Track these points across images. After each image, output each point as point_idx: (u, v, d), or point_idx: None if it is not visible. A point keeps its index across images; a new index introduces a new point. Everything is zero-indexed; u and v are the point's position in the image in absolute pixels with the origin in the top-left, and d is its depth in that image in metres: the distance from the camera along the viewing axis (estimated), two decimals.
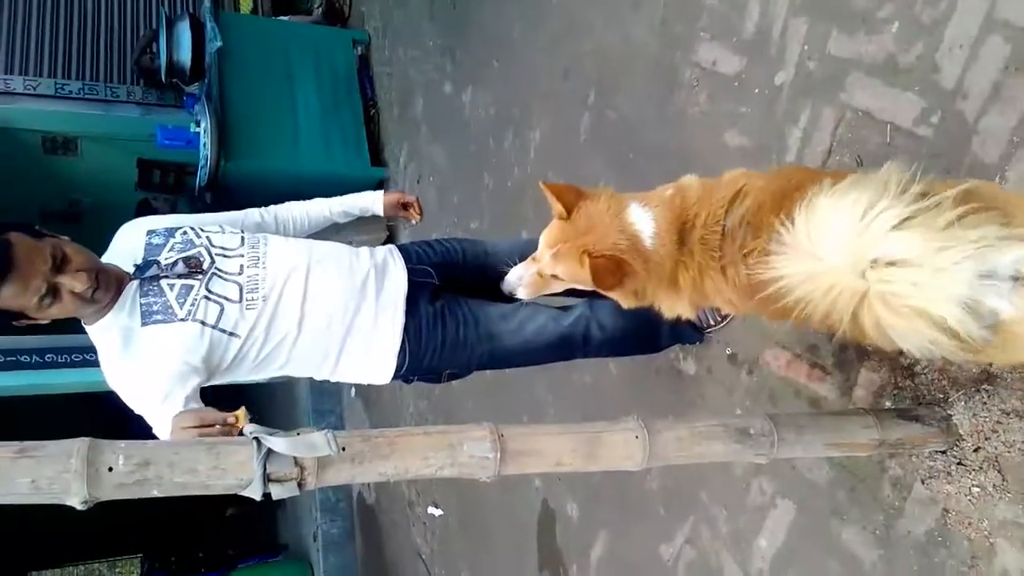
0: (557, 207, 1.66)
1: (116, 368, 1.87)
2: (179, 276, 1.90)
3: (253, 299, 1.93)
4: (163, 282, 1.90)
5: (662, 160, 2.88)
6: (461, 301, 2.19)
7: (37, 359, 5.50)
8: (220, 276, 1.93)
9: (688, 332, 2.54)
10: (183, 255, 1.94)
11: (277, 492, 1.22)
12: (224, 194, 5.44)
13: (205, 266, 1.93)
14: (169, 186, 6.46)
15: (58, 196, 7.05)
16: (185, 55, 5.80)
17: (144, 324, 1.86)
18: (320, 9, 7.19)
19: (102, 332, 1.89)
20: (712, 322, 2.55)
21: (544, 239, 1.71)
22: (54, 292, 1.78)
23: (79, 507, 1.13)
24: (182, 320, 1.85)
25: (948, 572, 1.73)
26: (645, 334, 2.45)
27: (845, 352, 2.03)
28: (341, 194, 2.37)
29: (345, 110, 6.11)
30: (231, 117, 5.51)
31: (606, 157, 3.25)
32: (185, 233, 2.01)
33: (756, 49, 2.45)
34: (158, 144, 6.04)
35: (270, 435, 1.19)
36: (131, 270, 1.92)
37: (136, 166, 6.38)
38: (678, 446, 1.50)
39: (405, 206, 2.38)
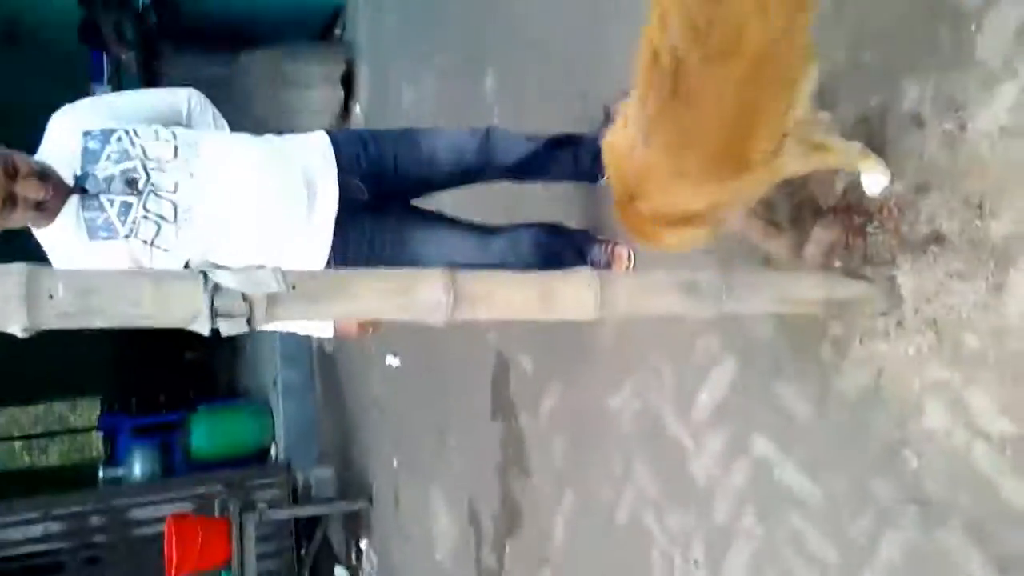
0: None
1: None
2: (117, 194, 2.01)
3: (187, 218, 2.07)
4: (103, 197, 2.01)
5: None
6: (388, 223, 2.35)
7: None
8: (156, 194, 2.05)
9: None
10: (120, 167, 2.02)
11: (226, 328, 1.22)
12: (170, 13, 5.18)
13: (141, 185, 2.03)
14: (114, 1, 6.06)
15: None
16: None
17: (92, 239, 2.01)
18: None
19: (49, 237, 2.05)
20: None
21: None
22: (12, 200, 1.91)
23: (20, 335, 1.11)
24: (125, 237, 2.01)
25: (878, 429, 1.81)
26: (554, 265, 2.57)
27: (800, 211, 2.03)
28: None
29: None
30: None
31: None
32: (120, 140, 2.06)
33: None
34: None
35: (217, 269, 1.18)
36: (70, 180, 2.01)
37: None
38: (629, 297, 1.53)
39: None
